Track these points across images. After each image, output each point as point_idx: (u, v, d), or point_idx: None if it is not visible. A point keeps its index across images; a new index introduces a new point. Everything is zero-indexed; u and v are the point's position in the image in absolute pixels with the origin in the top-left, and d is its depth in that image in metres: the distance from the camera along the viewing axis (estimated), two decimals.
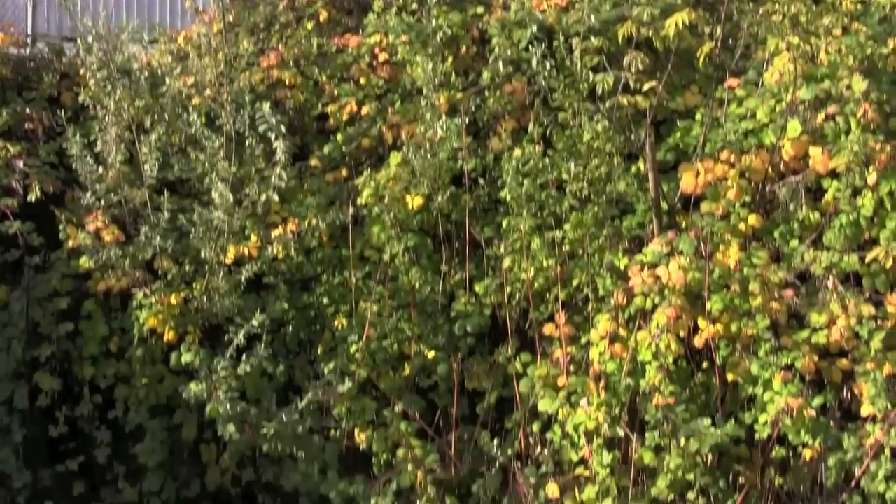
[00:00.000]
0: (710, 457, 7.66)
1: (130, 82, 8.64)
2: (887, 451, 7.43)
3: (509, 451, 7.98)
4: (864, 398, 7.50)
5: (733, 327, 7.56)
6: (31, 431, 8.46)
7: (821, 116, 7.97)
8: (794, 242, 7.88)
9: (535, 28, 8.76)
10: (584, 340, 7.94)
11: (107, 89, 8.55)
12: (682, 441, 7.49)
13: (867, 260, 7.67)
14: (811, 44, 8.08)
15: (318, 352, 8.20)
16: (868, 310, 7.53)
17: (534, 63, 8.36)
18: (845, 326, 7.48)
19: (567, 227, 8.06)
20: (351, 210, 8.32)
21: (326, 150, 8.89)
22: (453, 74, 8.67)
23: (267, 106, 8.24)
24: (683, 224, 8.02)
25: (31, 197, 8.53)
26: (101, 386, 8.39)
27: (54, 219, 8.41)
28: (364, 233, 8.42)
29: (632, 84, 8.40)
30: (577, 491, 7.81)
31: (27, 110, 9.17)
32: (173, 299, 8.14)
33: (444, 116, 8.33)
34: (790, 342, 7.56)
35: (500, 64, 8.66)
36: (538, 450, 8.01)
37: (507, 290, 8.09)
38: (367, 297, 8.15)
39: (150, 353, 8.24)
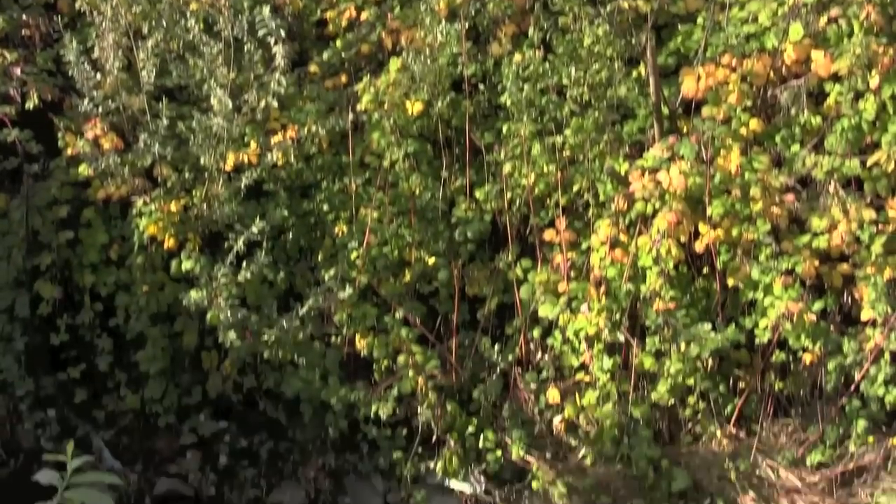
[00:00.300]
0: (710, 361, 7.70)
1: None
2: (887, 356, 7.47)
3: (510, 357, 8.01)
4: (864, 302, 7.52)
5: (734, 232, 7.56)
6: (32, 340, 8.47)
7: (823, 19, 7.91)
8: (796, 147, 7.85)
9: None
10: (584, 246, 7.93)
11: None
12: (683, 346, 7.52)
13: (868, 164, 7.66)
14: None
15: (319, 258, 8.18)
16: (869, 214, 7.53)
17: None
18: (846, 231, 7.48)
19: (567, 132, 8.02)
20: (350, 116, 8.27)
21: (326, 56, 8.83)
22: None
23: (266, 10, 8.16)
24: (684, 129, 7.98)
25: (29, 104, 8.46)
26: (102, 294, 8.38)
27: (52, 126, 8.36)
28: (364, 139, 8.38)
29: None
30: (577, 396, 7.85)
31: (24, 17, 9.09)
32: (173, 206, 8.11)
33: (443, 21, 8.25)
34: (791, 247, 7.56)
35: None
36: (539, 355, 8.03)
37: (508, 195, 8.07)
38: (368, 203, 8.12)
39: (151, 261, 8.21)
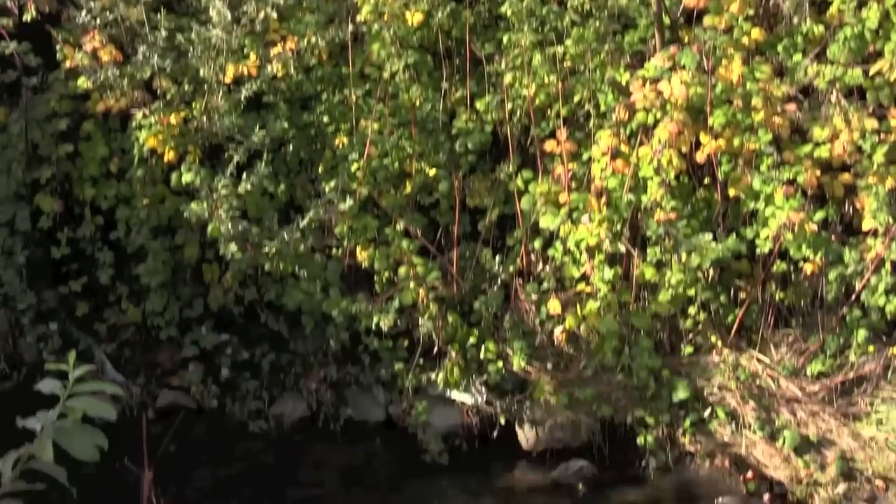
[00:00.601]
0: (711, 272, 7.71)
1: None
2: (888, 265, 7.48)
3: (511, 268, 8.01)
4: (865, 212, 7.52)
5: (735, 142, 7.54)
6: (33, 253, 8.49)
7: None
8: (798, 56, 7.81)
9: None
10: (585, 157, 7.92)
11: None
12: (684, 256, 7.52)
13: (871, 73, 7.63)
14: None
15: (319, 170, 8.16)
16: (871, 124, 7.50)
17: None
18: (848, 140, 7.46)
19: (568, 42, 7.98)
20: (350, 27, 8.21)
21: None
22: None
23: None
24: (686, 38, 7.93)
25: (27, 17, 8.39)
26: (103, 207, 8.38)
27: (51, 39, 8.32)
28: (364, 50, 8.33)
29: None
30: (578, 307, 7.85)
31: None
32: (173, 119, 8.08)
33: None
34: (792, 157, 7.55)
35: None
36: (540, 266, 8.04)
37: (508, 106, 8.03)
38: (368, 115, 8.09)
39: (151, 174, 8.20)
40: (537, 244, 7.99)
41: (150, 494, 3.19)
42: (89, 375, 3.18)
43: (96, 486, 7.20)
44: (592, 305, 7.76)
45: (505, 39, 8.07)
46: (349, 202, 7.86)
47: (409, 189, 8.09)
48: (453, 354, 7.96)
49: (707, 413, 7.73)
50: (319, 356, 8.36)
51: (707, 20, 7.80)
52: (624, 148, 7.71)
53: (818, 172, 7.51)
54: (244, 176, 7.85)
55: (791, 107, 7.58)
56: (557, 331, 7.92)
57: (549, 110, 8.07)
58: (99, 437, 3.11)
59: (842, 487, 7.42)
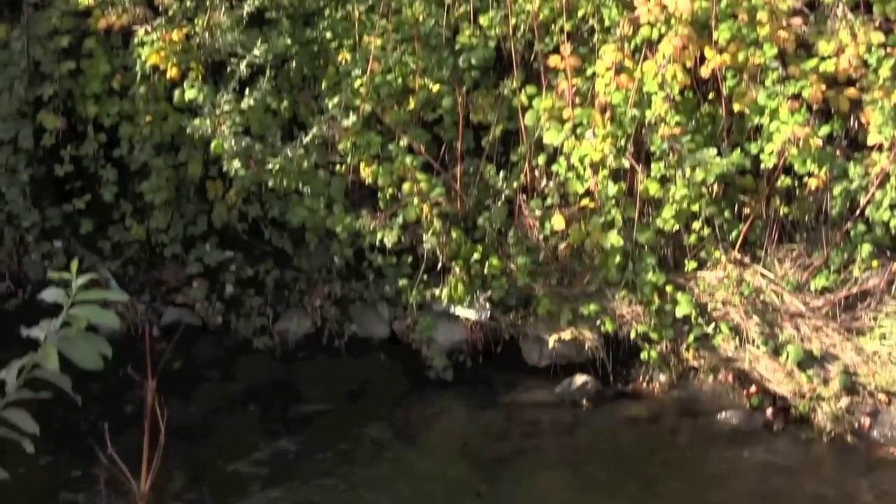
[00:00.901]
0: (715, 187, 7.69)
1: None
2: (893, 180, 7.47)
3: (515, 184, 7.98)
4: (871, 127, 7.50)
5: (740, 57, 7.51)
6: (36, 171, 8.48)
7: None
8: None
9: None
10: (589, 72, 7.87)
11: None
12: (688, 171, 7.50)
13: None
14: None
15: (323, 87, 8.11)
16: (877, 38, 7.47)
17: None
18: (854, 55, 7.42)
19: None
20: None
21: None
22: None
23: None
24: None
25: None
26: (105, 124, 8.35)
27: None
28: None
29: None
30: (582, 222, 7.85)
31: None
32: (175, 35, 8.03)
33: None
34: (797, 71, 7.51)
35: None
36: (543, 182, 8.01)
37: (512, 21, 7.97)
38: (371, 30, 8.03)
39: (154, 91, 8.16)
40: (541, 160, 7.96)
41: (153, 403, 3.19)
42: (93, 284, 3.18)
43: (101, 398, 7.28)
44: (596, 221, 7.76)
45: None
46: (352, 118, 7.83)
47: (412, 105, 8.05)
48: (457, 270, 7.97)
49: (711, 328, 7.74)
50: (324, 273, 8.38)
51: None
52: (628, 63, 7.67)
53: (823, 87, 7.47)
54: (247, 92, 7.82)
55: (796, 20, 7.54)
56: (561, 246, 7.92)
57: (553, 25, 8.01)
58: (103, 345, 3.13)
59: (844, 402, 7.45)
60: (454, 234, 7.93)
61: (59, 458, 6.94)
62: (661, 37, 7.56)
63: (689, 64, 7.54)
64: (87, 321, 3.12)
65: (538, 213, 7.92)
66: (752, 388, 7.72)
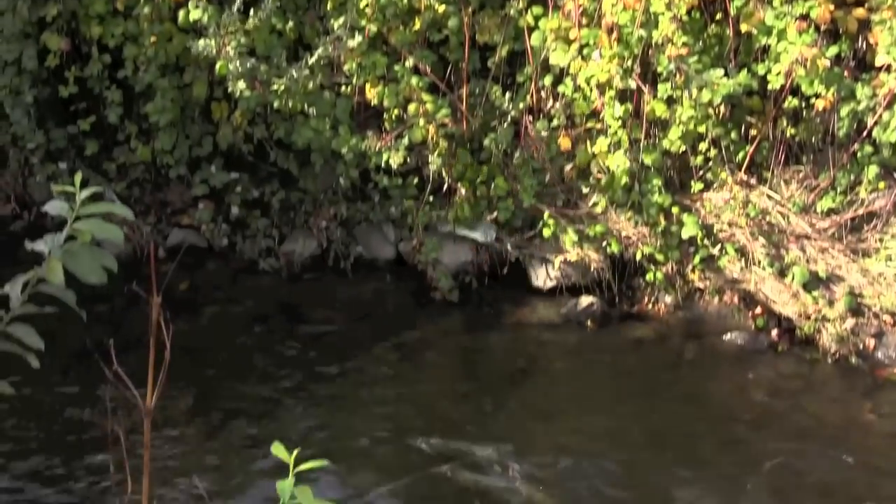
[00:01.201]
0: (722, 108, 7.66)
1: None
2: None
3: (521, 105, 7.95)
4: (879, 47, 7.44)
5: None
6: (41, 93, 8.47)
7: None
8: None
9: None
10: None
11: None
12: (695, 92, 7.46)
13: None
14: None
15: (328, 7, 8.03)
16: None
17: None
18: None
19: None
20: None
21: None
22: None
23: None
24: None
25: None
26: (110, 45, 8.31)
27: None
28: None
29: None
30: (588, 143, 7.84)
31: None
32: None
33: None
34: None
35: None
36: (550, 103, 7.98)
37: None
38: None
39: (158, 11, 8.11)
40: (547, 81, 7.93)
41: (158, 319, 3.19)
42: (97, 197, 3.16)
43: (107, 316, 7.31)
44: (603, 142, 7.74)
45: None
46: (358, 39, 7.78)
47: (418, 25, 7.99)
48: (463, 192, 7.96)
49: (716, 250, 7.74)
50: (329, 194, 8.38)
51: None
52: None
53: (831, 7, 7.40)
54: (252, 12, 7.78)
55: None
56: (567, 168, 7.91)
57: None
58: (108, 259, 3.10)
59: (849, 323, 7.46)
60: (460, 156, 7.92)
61: (64, 375, 6.96)
62: None
63: None
64: (92, 235, 3.09)
65: (544, 134, 7.90)
66: (758, 310, 7.73)
